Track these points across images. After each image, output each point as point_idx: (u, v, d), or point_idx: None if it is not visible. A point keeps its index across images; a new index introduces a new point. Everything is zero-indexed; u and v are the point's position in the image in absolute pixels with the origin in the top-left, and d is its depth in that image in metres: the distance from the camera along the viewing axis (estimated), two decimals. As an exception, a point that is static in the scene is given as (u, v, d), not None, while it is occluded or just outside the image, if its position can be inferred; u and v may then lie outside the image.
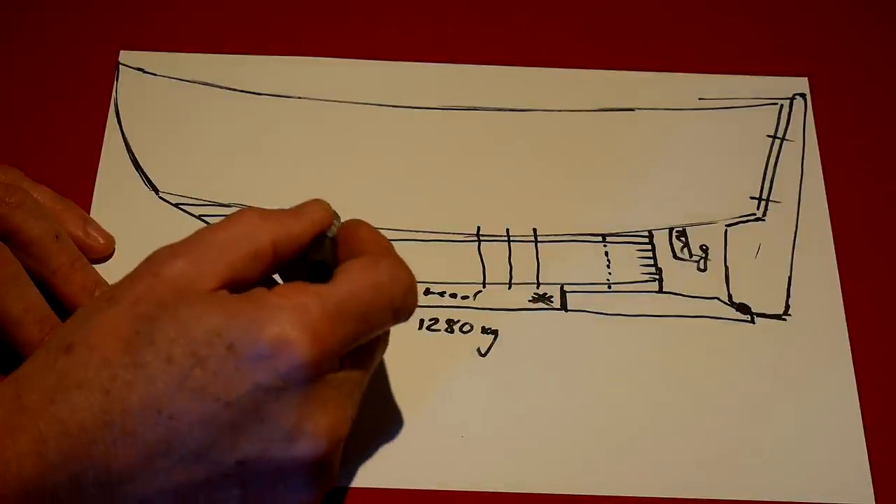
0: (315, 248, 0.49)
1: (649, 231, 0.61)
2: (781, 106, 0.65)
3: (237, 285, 0.46)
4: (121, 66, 0.65)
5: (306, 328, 0.43)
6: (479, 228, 0.61)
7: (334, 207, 0.61)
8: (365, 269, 0.46)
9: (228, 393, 0.43)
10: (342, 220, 0.51)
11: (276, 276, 0.51)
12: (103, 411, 0.43)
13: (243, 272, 0.46)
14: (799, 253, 0.61)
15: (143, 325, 0.44)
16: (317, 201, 0.51)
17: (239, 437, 0.44)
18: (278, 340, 0.43)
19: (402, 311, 0.48)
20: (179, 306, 0.44)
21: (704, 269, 0.60)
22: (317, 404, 0.44)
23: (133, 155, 0.62)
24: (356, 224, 0.51)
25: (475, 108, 0.65)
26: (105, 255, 0.58)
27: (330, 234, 0.50)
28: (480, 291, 0.59)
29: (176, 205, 0.61)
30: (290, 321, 0.43)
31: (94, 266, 0.57)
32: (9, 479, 0.42)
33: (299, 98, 0.64)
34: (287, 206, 0.60)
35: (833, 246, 0.61)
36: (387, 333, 0.50)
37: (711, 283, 0.60)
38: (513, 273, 0.60)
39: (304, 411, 0.44)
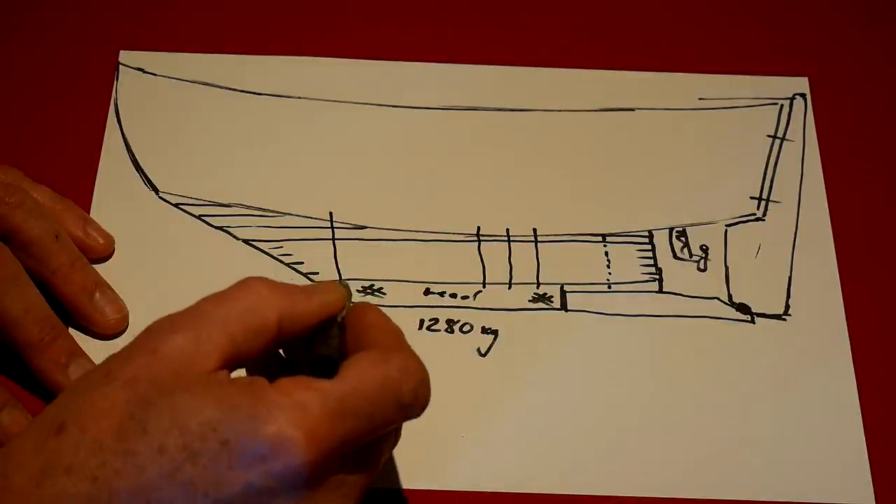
0: (322, 337, 0.47)
1: (649, 231, 0.61)
2: (781, 106, 0.65)
3: (239, 361, 0.45)
4: (121, 66, 0.65)
5: (304, 427, 0.41)
6: (479, 228, 0.61)
7: (333, 208, 0.61)
8: (373, 365, 0.44)
9: (219, 490, 0.41)
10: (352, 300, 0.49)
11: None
12: (90, 498, 0.41)
13: (245, 347, 0.45)
14: (799, 253, 0.61)
15: (137, 408, 0.42)
16: (332, 284, 0.49)
17: None
18: (275, 440, 0.41)
19: (412, 407, 0.45)
20: (176, 393, 0.42)
21: (704, 269, 0.60)
22: None
23: (133, 155, 0.62)
24: (365, 309, 0.48)
25: (475, 108, 0.65)
26: (105, 255, 0.58)
27: (339, 319, 0.48)
28: (480, 291, 0.59)
29: (176, 205, 0.61)
30: (288, 419, 0.41)
31: (94, 266, 0.57)
32: None
33: (299, 98, 0.64)
34: (287, 207, 0.61)
35: (833, 246, 0.61)
36: (398, 430, 0.48)
37: (711, 283, 0.60)
38: (513, 273, 0.60)
39: None
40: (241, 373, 0.46)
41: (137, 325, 0.57)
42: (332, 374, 0.44)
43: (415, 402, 0.45)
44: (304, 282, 0.59)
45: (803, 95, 0.66)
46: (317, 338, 0.47)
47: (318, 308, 0.47)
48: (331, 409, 0.42)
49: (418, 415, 0.46)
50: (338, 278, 0.58)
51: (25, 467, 0.42)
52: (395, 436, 0.48)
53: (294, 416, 0.42)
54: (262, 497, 0.42)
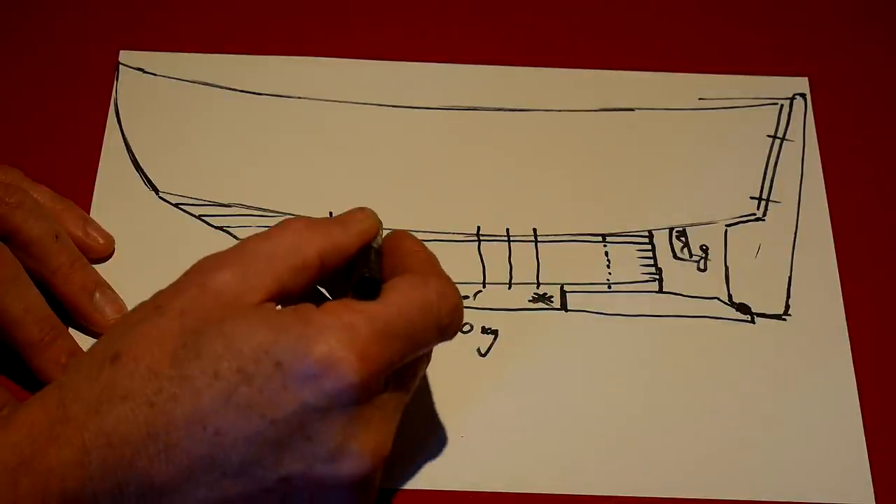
0: (362, 262, 0.48)
1: (649, 231, 0.61)
2: (781, 106, 0.65)
3: (283, 297, 0.46)
4: (121, 66, 0.65)
5: (355, 348, 0.43)
6: (479, 228, 0.61)
7: (333, 208, 0.61)
8: (413, 288, 0.46)
9: (274, 411, 0.43)
10: (383, 227, 0.51)
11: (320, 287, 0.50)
12: (148, 424, 0.42)
13: (289, 284, 0.46)
14: (799, 253, 0.61)
15: (189, 338, 0.43)
16: (363, 210, 0.50)
17: (283, 455, 0.43)
18: (326, 360, 0.43)
19: (447, 330, 0.47)
20: (226, 321, 0.44)
21: (704, 269, 0.60)
22: (362, 424, 0.44)
23: (133, 155, 0.62)
24: (402, 236, 0.50)
25: (475, 108, 0.65)
26: (105, 255, 0.58)
27: (375, 245, 0.50)
28: (480, 291, 0.59)
29: (176, 205, 0.61)
30: (339, 340, 0.43)
31: (94, 266, 0.57)
32: (51, 488, 0.42)
33: (299, 98, 0.64)
34: (287, 207, 0.61)
35: (833, 246, 0.61)
36: (429, 353, 0.49)
37: (711, 283, 0.60)
38: (513, 273, 0.60)
39: (349, 431, 0.44)
40: None
41: (137, 325, 0.57)
42: (374, 296, 0.45)
43: (451, 324, 0.47)
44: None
45: (803, 95, 0.66)
46: (357, 262, 0.48)
47: (356, 237, 0.49)
48: (378, 330, 0.44)
49: (452, 337, 0.47)
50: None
51: (82, 396, 0.43)
52: (427, 357, 0.49)
53: (343, 336, 0.43)
54: (316, 415, 0.43)
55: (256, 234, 0.47)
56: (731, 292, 0.59)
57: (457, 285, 0.48)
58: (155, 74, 0.65)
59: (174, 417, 0.42)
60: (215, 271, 0.45)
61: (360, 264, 0.48)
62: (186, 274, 0.46)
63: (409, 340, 0.45)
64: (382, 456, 0.45)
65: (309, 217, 0.48)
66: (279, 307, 0.46)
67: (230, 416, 0.43)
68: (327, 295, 0.51)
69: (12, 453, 0.43)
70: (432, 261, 0.49)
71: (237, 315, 0.44)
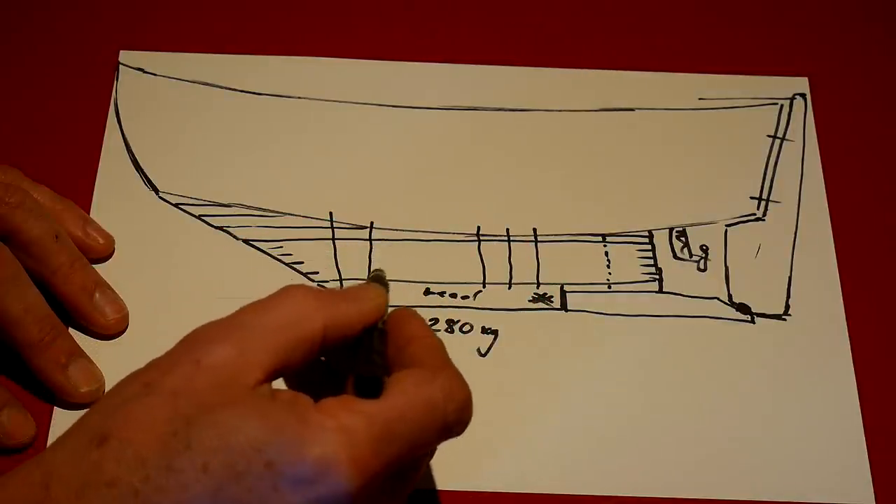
0: (366, 347, 0.46)
1: (649, 231, 0.61)
2: (781, 106, 0.65)
3: (282, 372, 0.44)
4: (121, 66, 0.65)
5: (351, 453, 0.41)
6: (479, 228, 0.61)
7: (333, 208, 0.61)
8: (418, 386, 0.43)
9: None
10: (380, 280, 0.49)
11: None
12: None
13: (289, 359, 0.44)
14: (799, 253, 0.61)
15: (180, 425, 0.41)
16: (373, 288, 0.48)
17: None
18: (320, 464, 0.41)
19: (454, 428, 0.45)
20: (220, 410, 0.42)
21: (704, 269, 0.60)
22: None
23: (133, 155, 0.62)
24: (408, 317, 0.48)
25: (475, 108, 0.65)
26: (105, 255, 0.58)
27: (379, 325, 0.47)
28: (480, 291, 0.59)
29: (176, 205, 0.61)
30: (335, 444, 0.41)
31: (94, 266, 0.57)
32: None
33: (299, 98, 0.64)
34: (287, 207, 0.61)
35: (833, 246, 0.61)
36: (433, 449, 0.47)
37: (711, 283, 0.60)
38: (513, 273, 0.60)
39: None
40: (280, 382, 0.46)
41: (137, 325, 0.57)
42: (376, 390, 0.43)
43: (458, 423, 0.45)
44: (302, 280, 0.59)
45: (803, 95, 0.66)
46: (360, 350, 0.47)
47: (363, 315, 0.46)
48: (376, 434, 0.42)
49: (459, 434, 0.45)
50: (372, 270, 0.57)
51: (66, 480, 0.41)
52: (431, 452, 0.48)
53: (339, 439, 0.41)
54: None
55: (255, 304, 0.45)
56: (731, 292, 0.59)
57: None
58: (155, 74, 0.65)
59: None
60: (211, 346, 0.43)
61: (363, 354, 0.46)
62: (180, 345, 0.44)
63: (411, 443, 0.43)
64: None
65: (314, 288, 0.46)
66: (276, 385, 0.44)
67: None
68: (326, 362, 0.50)
69: None
70: (439, 348, 0.46)
71: (232, 403, 0.42)
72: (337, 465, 0.41)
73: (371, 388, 0.44)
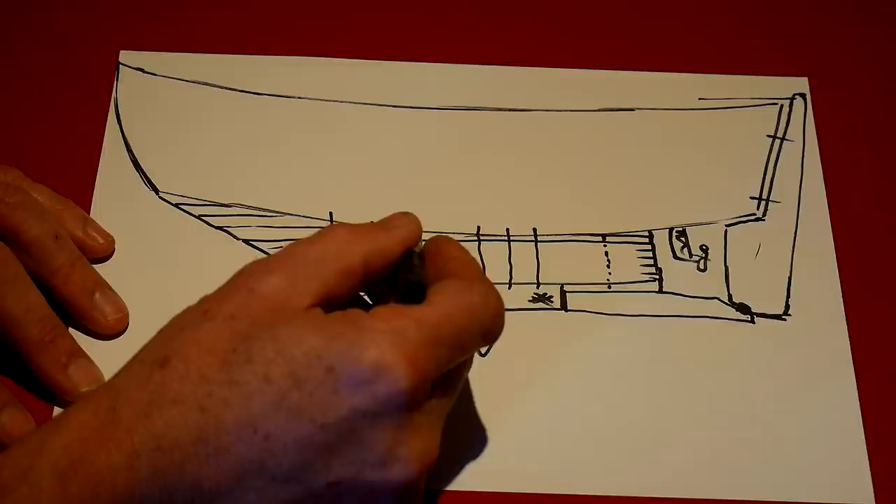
0: (406, 267, 0.49)
1: (649, 231, 0.61)
2: (781, 106, 0.65)
3: (329, 302, 0.46)
4: (121, 66, 0.65)
5: (405, 354, 0.43)
6: (479, 228, 0.61)
7: (333, 208, 0.61)
8: (458, 293, 0.46)
9: (325, 415, 0.43)
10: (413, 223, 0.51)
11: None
12: (198, 428, 0.42)
13: (336, 289, 0.46)
14: (799, 253, 0.61)
15: (240, 342, 0.43)
16: (405, 215, 0.50)
17: (333, 460, 0.43)
18: (378, 365, 0.43)
19: (490, 335, 0.47)
20: (277, 325, 0.44)
21: (704, 269, 0.60)
22: (411, 430, 0.44)
23: (133, 155, 0.62)
24: (444, 241, 0.50)
25: (475, 108, 0.65)
26: (105, 255, 0.58)
27: (417, 250, 0.50)
28: (480, 291, 0.59)
29: (176, 205, 0.61)
30: (390, 346, 0.43)
31: (94, 266, 0.57)
32: (101, 491, 0.42)
33: (299, 98, 0.64)
34: (287, 207, 0.61)
35: (833, 246, 0.61)
36: (471, 358, 0.49)
37: (711, 283, 0.60)
38: (513, 273, 0.60)
39: (398, 437, 0.44)
40: None
41: (137, 325, 0.57)
42: (419, 301, 0.46)
43: (494, 328, 0.47)
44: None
45: (803, 95, 0.66)
46: (401, 267, 0.49)
47: (399, 242, 0.49)
48: (426, 336, 0.44)
49: (494, 342, 0.48)
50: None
51: (133, 400, 0.43)
52: (470, 362, 0.50)
53: (394, 341, 0.43)
54: (366, 419, 0.43)
55: (301, 240, 0.47)
56: (731, 292, 0.59)
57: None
58: (155, 74, 0.65)
59: (224, 422, 0.42)
60: (263, 276, 0.45)
61: (404, 269, 0.48)
62: (233, 279, 0.46)
63: (456, 345, 0.46)
64: (431, 461, 0.45)
65: (353, 223, 0.49)
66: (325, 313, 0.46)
67: (281, 421, 0.42)
68: (370, 302, 0.51)
69: (62, 455, 0.43)
70: (475, 265, 0.49)
71: (288, 319, 0.44)
72: (392, 364, 0.43)
73: (415, 297, 0.47)
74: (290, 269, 0.46)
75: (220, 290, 0.46)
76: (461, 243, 0.50)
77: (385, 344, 0.43)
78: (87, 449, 0.43)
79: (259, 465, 0.43)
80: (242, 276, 0.46)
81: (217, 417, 0.42)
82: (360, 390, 0.43)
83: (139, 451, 0.42)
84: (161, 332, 0.46)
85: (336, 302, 0.46)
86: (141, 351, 0.46)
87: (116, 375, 0.45)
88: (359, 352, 0.43)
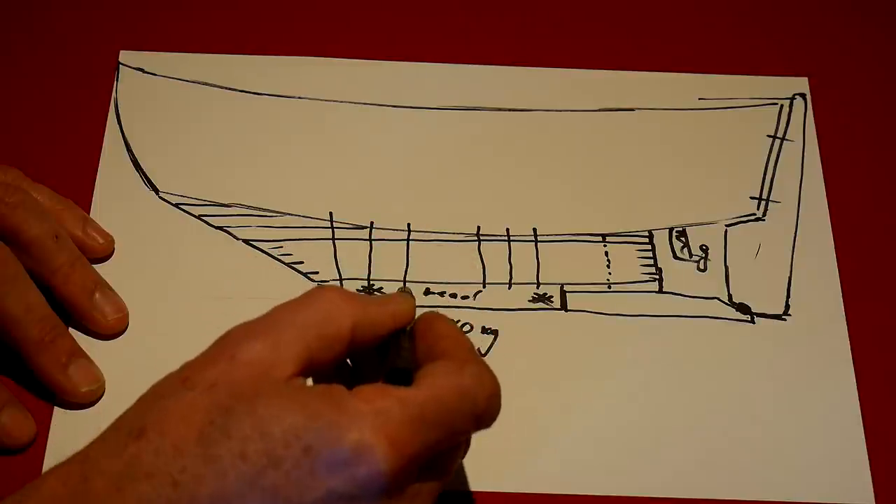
0: (395, 347, 0.47)
1: (649, 231, 0.61)
2: (781, 106, 0.65)
3: (313, 368, 0.45)
4: (121, 66, 0.65)
5: (387, 435, 0.42)
6: (479, 228, 0.61)
7: (333, 208, 0.61)
8: (448, 374, 0.44)
9: (301, 497, 0.41)
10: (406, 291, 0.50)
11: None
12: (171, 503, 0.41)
13: (320, 355, 0.45)
14: (799, 253, 0.61)
15: (218, 415, 0.42)
16: (401, 294, 0.49)
17: None
18: (358, 447, 0.41)
19: (484, 418, 0.45)
20: (256, 399, 0.42)
21: (704, 269, 0.60)
22: None
23: (133, 155, 0.62)
24: (434, 318, 0.49)
25: (475, 108, 0.65)
26: (105, 255, 0.58)
27: (407, 329, 0.49)
28: (480, 291, 0.59)
29: (176, 205, 0.61)
30: (371, 427, 0.42)
31: (94, 266, 0.57)
32: None
33: (299, 98, 0.64)
34: (287, 207, 0.61)
35: (833, 246, 0.61)
36: (467, 440, 0.48)
37: (711, 283, 0.60)
38: (513, 273, 0.60)
39: None
40: (309, 383, 0.46)
41: (137, 325, 0.57)
42: (407, 384, 0.44)
43: (487, 411, 0.45)
44: (302, 280, 0.59)
45: (803, 95, 0.66)
46: (390, 349, 0.47)
47: (391, 318, 0.48)
48: (411, 417, 0.42)
49: (489, 425, 0.46)
50: (402, 286, 0.58)
51: (105, 472, 0.42)
52: (465, 445, 0.48)
53: (376, 423, 0.42)
54: (344, 502, 0.42)
55: (287, 303, 0.46)
56: (731, 292, 0.59)
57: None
58: (155, 74, 0.65)
59: (198, 498, 0.41)
60: (246, 342, 0.44)
61: (393, 351, 0.47)
62: (215, 345, 0.45)
63: (444, 427, 0.44)
64: None
65: (344, 289, 0.47)
66: (310, 381, 0.45)
67: (256, 500, 0.41)
68: (353, 367, 0.51)
69: None
70: (467, 344, 0.47)
71: (268, 393, 0.42)
72: (373, 446, 0.41)
73: (402, 382, 0.45)
74: (273, 335, 0.44)
75: (201, 356, 0.45)
76: (452, 321, 0.49)
77: (366, 425, 0.42)
78: None
79: None
80: (225, 342, 0.45)
81: (190, 494, 0.41)
82: (339, 472, 0.41)
83: None
84: (140, 399, 0.44)
85: (320, 369, 0.45)
86: (118, 419, 0.44)
87: (91, 444, 0.43)
88: (339, 433, 0.41)
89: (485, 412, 0.45)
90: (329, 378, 0.46)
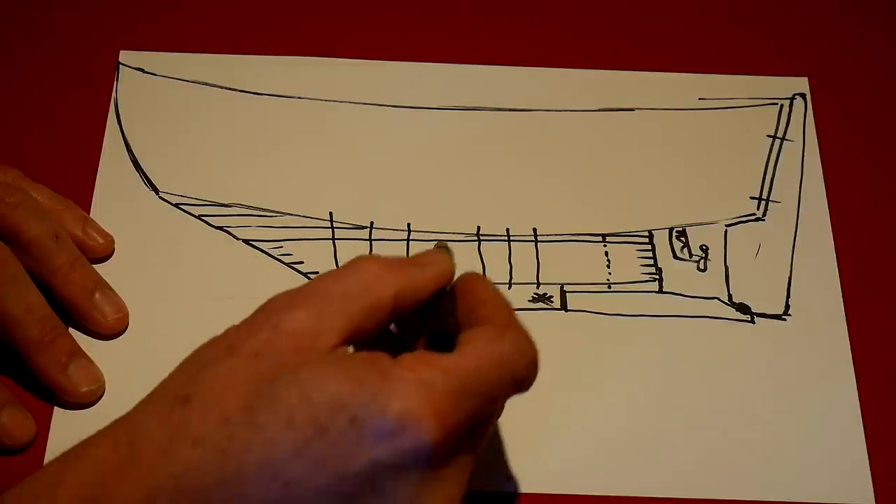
0: (436, 309, 0.47)
1: (649, 231, 0.61)
2: (781, 106, 0.65)
3: (357, 338, 0.45)
4: (121, 66, 0.65)
5: (432, 406, 0.42)
6: (479, 228, 0.61)
7: (333, 208, 0.61)
8: (490, 342, 0.44)
9: (347, 465, 0.41)
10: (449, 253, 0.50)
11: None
12: (218, 471, 0.41)
13: (364, 325, 0.45)
14: (799, 253, 0.61)
15: (262, 384, 0.42)
16: (439, 252, 0.49)
17: None
18: (403, 417, 0.41)
19: (522, 384, 0.46)
20: (302, 368, 0.42)
21: (704, 269, 0.60)
22: (434, 483, 0.43)
23: (133, 155, 0.62)
24: (475, 280, 0.49)
25: (475, 108, 0.65)
26: (105, 255, 0.58)
27: (447, 289, 0.48)
28: (480, 291, 0.59)
29: (176, 205, 0.61)
30: (416, 397, 0.42)
31: (94, 266, 0.57)
32: None
33: (299, 98, 0.64)
34: (287, 207, 0.61)
35: (833, 246, 0.61)
36: (502, 406, 0.48)
37: (711, 283, 0.60)
38: (513, 273, 0.60)
39: (421, 491, 0.43)
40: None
41: (137, 325, 0.57)
42: (448, 348, 0.45)
43: (527, 378, 0.46)
44: (303, 280, 0.59)
45: (803, 95, 0.66)
46: (431, 311, 0.48)
47: (432, 280, 0.48)
48: (455, 387, 0.43)
49: (526, 390, 0.46)
50: (437, 242, 0.56)
51: (152, 437, 0.42)
52: (499, 411, 0.48)
53: (420, 393, 0.42)
54: (389, 472, 0.42)
55: (329, 273, 0.46)
56: (731, 292, 0.59)
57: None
58: (155, 74, 0.65)
59: (245, 466, 0.41)
60: (289, 311, 0.44)
61: (435, 312, 0.47)
62: (258, 312, 0.45)
63: (485, 396, 0.44)
64: None
65: (384, 256, 0.47)
66: (351, 349, 0.45)
67: (301, 469, 0.41)
68: (396, 333, 0.51)
69: (80, 491, 0.42)
70: (507, 309, 0.47)
71: (313, 362, 0.43)
72: (418, 418, 0.42)
73: (443, 347, 0.45)
74: (316, 305, 0.44)
75: (244, 323, 0.45)
76: (492, 283, 0.49)
77: (411, 395, 0.42)
78: (105, 486, 0.42)
79: None
80: (268, 311, 0.45)
81: (238, 462, 0.41)
82: (384, 442, 0.41)
83: (157, 492, 0.41)
84: (183, 364, 0.45)
85: (363, 337, 0.45)
86: (162, 384, 0.44)
87: (135, 408, 0.44)
88: (384, 402, 0.41)
89: (524, 378, 0.46)
90: (372, 344, 0.46)
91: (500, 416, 0.49)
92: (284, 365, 0.42)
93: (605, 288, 0.59)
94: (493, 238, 0.60)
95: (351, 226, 0.60)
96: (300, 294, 0.45)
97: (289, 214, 0.61)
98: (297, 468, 0.41)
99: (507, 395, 0.46)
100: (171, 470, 0.41)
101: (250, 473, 0.41)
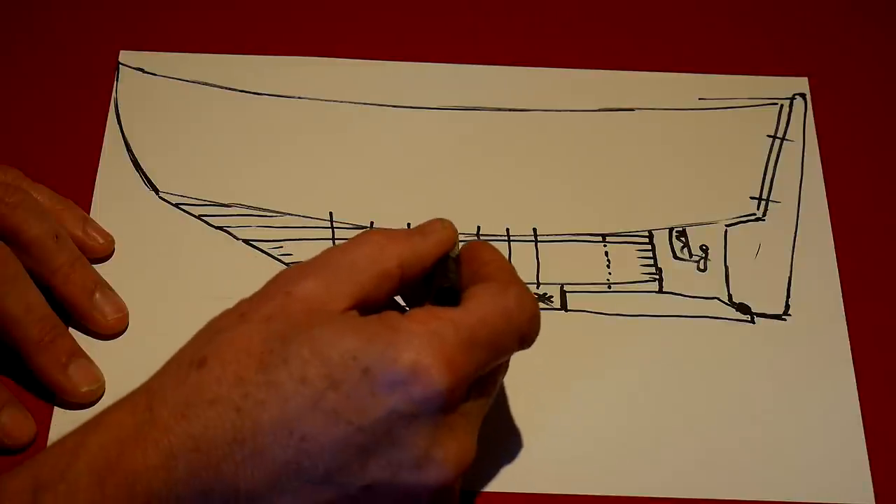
0: (441, 271, 0.49)
1: (649, 231, 0.61)
2: (781, 106, 0.65)
3: (366, 306, 0.46)
4: (121, 66, 0.65)
5: (442, 355, 0.43)
6: (479, 228, 0.61)
7: (333, 208, 0.61)
8: (494, 296, 0.46)
9: (361, 417, 0.43)
10: (443, 222, 0.51)
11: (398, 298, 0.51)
12: (235, 429, 0.43)
13: (372, 293, 0.46)
14: (799, 253, 0.61)
15: (275, 343, 0.44)
16: (441, 221, 0.50)
17: (368, 462, 0.43)
18: (414, 367, 0.43)
19: (526, 338, 0.47)
20: (313, 327, 0.44)
21: (704, 269, 0.60)
22: (447, 432, 0.44)
23: (133, 155, 0.62)
24: (480, 246, 0.50)
25: (475, 108, 0.65)
26: (105, 255, 0.58)
27: (453, 255, 0.50)
28: (480, 291, 0.59)
29: (176, 205, 0.61)
30: (426, 347, 0.43)
31: (94, 266, 0.57)
32: (137, 490, 0.43)
33: (299, 98, 0.64)
34: (287, 207, 0.61)
35: (833, 246, 0.61)
36: (507, 361, 0.49)
37: (711, 283, 0.60)
38: (513, 273, 0.59)
39: (434, 438, 0.44)
40: None
41: (137, 325, 0.57)
42: (454, 305, 0.46)
43: (530, 332, 0.48)
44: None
45: (803, 95, 0.66)
46: (436, 272, 0.49)
47: (434, 247, 0.49)
48: (463, 338, 0.44)
49: (530, 346, 0.48)
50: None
51: (169, 400, 0.43)
52: (505, 366, 0.50)
53: (432, 343, 0.43)
54: (403, 421, 0.43)
55: (336, 246, 0.48)
56: (731, 292, 0.59)
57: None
58: (155, 74, 0.65)
59: (261, 423, 0.43)
60: (300, 280, 0.46)
61: (440, 274, 0.49)
62: (270, 283, 0.47)
63: (492, 348, 0.46)
64: (466, 464, 0.45)
65: (389, 228, 0.49)
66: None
67: (317, 422, 0.43)
68: (405, 306, 0.51)
69: (100, 454, 0.43)
70: (510, 269, 0.49)
71: (324, 321, 0.44)
72: (430, 366, 0.43)
73: (449, 302, 0.47)
74: (326, 274, 0.46)
75: (256, 294, 0.46)
76: (497, 249, 0.50)
77: (422, 345, 0.43)
78: (123, 448, 0.43)
79: (295, 466, 0.43)
80: (279, 281, 0.46)
81: (253, 419, 0.43)
82: (397, 392, 0.43)
83: (176, 452, 0.43)
84: (198, 334, 0.46)
85: (372, 306, 0.46)
86: (178, 353, 0.46)
87: (153, 376, 0.45)
88: (395, 353, 0.43)
89: (528, 332, 0.47)
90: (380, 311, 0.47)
91: (506, 371, 0.50)
92: (297, 325, 0.44)
93: (605, 288, 0.59)
94: (493, 238, 0.60)
95: (351, 226, 0.60)
96: (309, 265, 0.47)
97: (289, 214, 0.61)
98: (312, 423, 0.42)
99: (512, 350, 0.47)
100: (188, 430, 0.43)
101: (266, 430, 0.42)
